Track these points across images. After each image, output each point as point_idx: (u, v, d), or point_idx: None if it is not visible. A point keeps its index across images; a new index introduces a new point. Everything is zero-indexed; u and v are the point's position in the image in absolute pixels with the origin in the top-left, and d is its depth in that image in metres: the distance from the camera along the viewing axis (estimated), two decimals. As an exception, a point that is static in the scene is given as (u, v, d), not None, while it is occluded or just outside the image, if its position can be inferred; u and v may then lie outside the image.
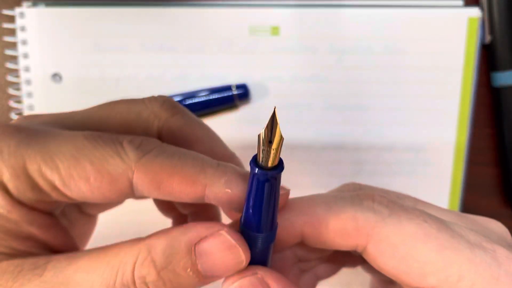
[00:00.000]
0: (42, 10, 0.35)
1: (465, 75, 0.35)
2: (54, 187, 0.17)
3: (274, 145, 0.15)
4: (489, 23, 0.35)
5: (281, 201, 0.18)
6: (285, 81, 0.35)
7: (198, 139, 0.21)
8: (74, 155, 0.16)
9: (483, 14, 0.35)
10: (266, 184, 0.16)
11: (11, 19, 0.35)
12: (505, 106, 0.36)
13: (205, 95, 0.35)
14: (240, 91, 0.35)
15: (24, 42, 0.35)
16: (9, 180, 0.16)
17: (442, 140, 0.36)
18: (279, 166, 0.16)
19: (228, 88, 0.35)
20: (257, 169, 0.15)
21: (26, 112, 0.36)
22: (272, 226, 0.17)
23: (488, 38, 0.35)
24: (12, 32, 0.35)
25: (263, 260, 0.18)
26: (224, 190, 0.17)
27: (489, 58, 0.36)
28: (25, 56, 0.35)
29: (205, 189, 0.17)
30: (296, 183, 0.37)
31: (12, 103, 0.36)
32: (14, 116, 0.36)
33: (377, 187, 0.22)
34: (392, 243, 0.17)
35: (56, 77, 0.35)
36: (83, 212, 0.23)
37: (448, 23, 0.35)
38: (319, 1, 0.35)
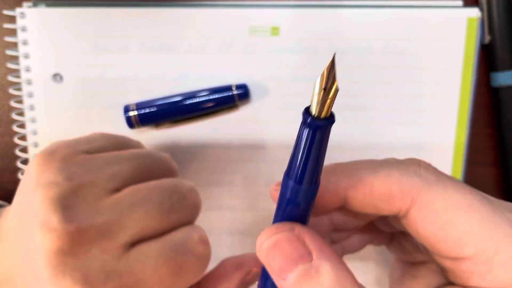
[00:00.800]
0: (43, 11, 0.35)
1: (465, 75, 0.35)
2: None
3: (330, 94, 0.15)
4: (488, 23, 0.35)
5: None
6: (285, 81, 0.36)
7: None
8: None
9: (483, 15, 0.35)
10: (315, 134, 0.15)
11: (12, 19, 0.35)
12: (505, 106, 0.36)
13: (205, 95, 0.35)
14: (240, 91, 0.35)
15: (25, 42, 0.35)
16: None
17: (442, 140, 0.36)
18: (330, 117, 0.15)
19: (228, 88, 0.35)
20: (309, 117, 0.15)
21: (27, 112, 0.36)
22: (316, 181, 0.17)
23: (487, 38, 0.35)
24: (12, 32, 0.36)
25: (302, 217, 0.18)
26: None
27: (488, 58, 0.36)
28: (26, 56, 0.35)
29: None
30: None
31: (12, 103, 0.36)
32: (14, 116, 0.36)
33: None
34: (435, 209, 0.17)
35: (57, 77, 0.36)
36: None
37: (447, 23, 0.35)
38: (319, 1, 0.35)
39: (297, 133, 0.16)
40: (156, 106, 0.35)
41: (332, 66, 0.15)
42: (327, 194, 0.19)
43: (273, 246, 0.17)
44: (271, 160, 0.37)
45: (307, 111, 0.15)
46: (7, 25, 0.35)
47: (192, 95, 0.35)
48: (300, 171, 0.16)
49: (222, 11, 0.35)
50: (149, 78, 0.36)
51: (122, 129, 0.35)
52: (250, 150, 0.36)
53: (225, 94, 0.35)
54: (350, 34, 0.35)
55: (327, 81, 0.14)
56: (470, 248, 0.17)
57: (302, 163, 0.16)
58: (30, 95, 0.36)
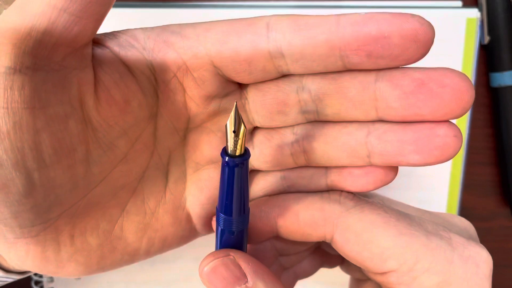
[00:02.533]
0: (43, 11, 0.35)
1: (464, 75, 0.35)
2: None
3: (239, 135, 0.17)
4: (487, 23, 0.35)
5: None
6: (285, 82, 0.36)
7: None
8: None
9: (482, 15, 0.35)
10: (234, 170, 0.17)
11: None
12: (504, 106, 0.36)
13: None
14: None
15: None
16: None
17: (441, 140, 0.36)
18: (245, 153, 0.18)
19: None
20: (226, 157, 0.17)
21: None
22: (243, 210, 0.19)
23: (486, 39, 0.35)
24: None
25: (238, 244, 0.20)
26: None
27: (487, 58, 0.36)
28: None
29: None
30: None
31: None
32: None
33: None
34: (355, 231, 0.19)
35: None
36: None
37: (447, 23, 0.35)
38: (318, 2, 0.35)
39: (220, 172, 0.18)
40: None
41: (236, 112, 0.17)
42: (260, 223, 0.20)
43: (211, 271, 0.19)
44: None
45: (224, 151, 0.18)
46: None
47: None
48: (227, 205, 0.18)
49: (222, 11, 0.35)
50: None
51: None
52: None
53: None
54: (349, 34, 0.35)
55: (235, 125, 0.17)
56: (392, 261, 0.19)
57: (228, 198, 0.18)
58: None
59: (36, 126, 0.16)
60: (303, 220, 0.20)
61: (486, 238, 0.39)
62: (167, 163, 0.21)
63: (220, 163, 0.18)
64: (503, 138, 0.36)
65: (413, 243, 0.18)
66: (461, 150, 0.36)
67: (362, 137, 0.19)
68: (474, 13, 0.34)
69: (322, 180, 0.21)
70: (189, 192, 0.21)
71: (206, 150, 0.21)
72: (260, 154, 0.21)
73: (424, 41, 0.17)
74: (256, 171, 0.21)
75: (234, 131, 0.17)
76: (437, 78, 0.18)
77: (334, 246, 0.20)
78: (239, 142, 0.17)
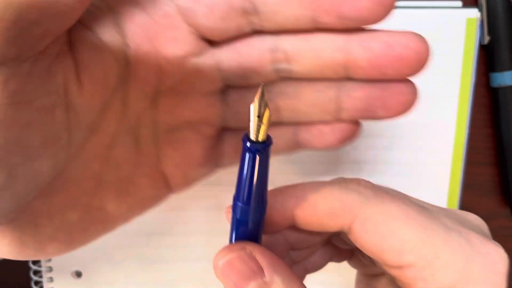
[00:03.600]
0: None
1: (464, 75, 0.35)
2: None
3: (264, 120, 0.16)
4: (487, 24, 0.35)
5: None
6: (285, 82, 0.36)
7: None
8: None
9: (482, 15, 0.35)
10: (255, 157, 0.17)
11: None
12: (504, 106, 0.36)
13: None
14: None
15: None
16: None
17: (441, 139, 0.36)
18: (268, 140, 0.17)
19: None
20: (248, 142, 0.17)
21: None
22: (262, 201, 0.18)
23: (486, 39, 0.35)
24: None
25: (253, 236, 0.19)
26: None
27: (487, 58, 0.36)
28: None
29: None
30: (296, 183, 0.37)
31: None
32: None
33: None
34: (375, 222, 0.19)
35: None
36: None
37: (446, 24, 0.35)
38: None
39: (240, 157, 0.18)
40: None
41: (261, 96, 0.16)
42: (276, 214, 0.20)
43: (226, 265, 0.18)
44: (271, 160, 0.37)
45: (246, 136, 0.17)
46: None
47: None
48: (247, 193, 0.18)
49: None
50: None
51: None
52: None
53: None
54: (349, 34, 0.35)
55: (259, 109, 0.16)
56: (411, 255, 0.18)
57: (247, 185, 0.18)
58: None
59: (22, 121, 0.15)
60: (321, 210, 0.19)
61: (486, 238, 0.39)
62: (138, 127, 0.20)
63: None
64: (503, 138, 0.36)
65: (433, 238, 0.18)
66: (461, 150, 0.36)
67: (333, 94, 0.20)
68: (474, 13, 0.34)
69: (292, 138, 0.21)
70: (163, 153, 0.21)
71: (179, 111, 0.20)
72: (236, 113, 0.21)
73: (389, 3, 0.19)
74: (230, 130, 0.22)
75: (258, 116, 0.16)
76: (403, 41, 0.19)
77: (351, 237, 0.20)
78: (263, 127, 0.16)
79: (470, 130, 0.36)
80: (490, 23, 0.35)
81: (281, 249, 0.23)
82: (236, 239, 0.19)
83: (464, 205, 0.38)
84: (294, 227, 0.21)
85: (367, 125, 0.36)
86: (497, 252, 0.19)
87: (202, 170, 0.23)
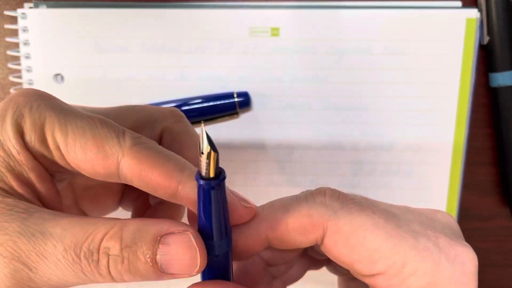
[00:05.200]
0: (44, 11, 0.35)
1: (463, 75, 0.35)
2: (58, 148, 0.19)
3: (210, 158, 0.17)
4: (487, 24, 0.35)
5: (247, 215, 0.20)
6: (285, 82, 0.36)
7: (190, 147, 0.23)
8: (83, 128, 0.19)
9: (481, 15, 0.35)
10: (210, 193, 0.17)
11: (13, 20, 0.36)
12: (503, 106, 0.36)
13: (206, 102, 0.35)
14: (241, 99, 0.35)
15: (26, 43, 0.35)
16: (27, 129, 0.19)
17: (441, 140, 0.36)
18: (221, 175, 0.17)
19: (229, 95, 0.35)
20: (201, 180, 0.17)
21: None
22: (226, 234, 0.19)
23: (486, 39, 0.36)
24: (14, 32, 0.36)
25: (223, 268, 0.20)
26: (193, 191, 0.19)
27: (487, 58, 0.36)
28: (27, 56, 0.35)
29: (179, 186, 0.19)
30: (296, 183, 0.37)
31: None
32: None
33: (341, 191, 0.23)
34: (344, 234, 0.19)
35: (58, 77, 0.36)
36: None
37: (446, 24, 0.35)
38: (319, 2, 0.35)
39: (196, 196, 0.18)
40: (156, 106, 0.35)
41: (204, 135, 0.17)
42: (250, 239, 0.20)
43: None
44: (271, 160, 0.37)
45: (199, 174, 0.17)
46: (8, 26, 0.36)
47: (192, 101, 0.35)
48: (208, 229, 0.18)
49: (222, 12, 0.35)
50: (149, 79, 0.36)
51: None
52: (250, 150, 0.37)
53: (226, 101, 0.35)
54: (349, 35, 0.35)
55: (203, 146, 0.17)
56: (381, 264, 0.19)
57: (207, 222, 0.18)
58: (32, 95, 0.36)
59: None
60: (292, 229, 0.20)
61: (485, 238, 0.39)
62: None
63: None
64: (503, 138, 0.36)
65: (402, 245, 0.19)
66: (461, 150, 0.36)
67: None
68: (473, 13, 0.35)
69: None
70: (81, 203, 0.26)
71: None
72: None
73: None
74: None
75: (202, 153, 0.17)
76: None
77: (323, 250, 0.20)
78: (211, 163, 0.17)
79: (469, 130, 0.36)
80: (490, 23, 0.35)
81: (259, 268, 0.24)
82: (209, 273, 0.20)
83: (464, 205, 0.38)
84: (268, 248, 0.21)
85: (366, 125, 0.37)
86: (466, 253, 0.19)
87: (111, 210, 0.27)
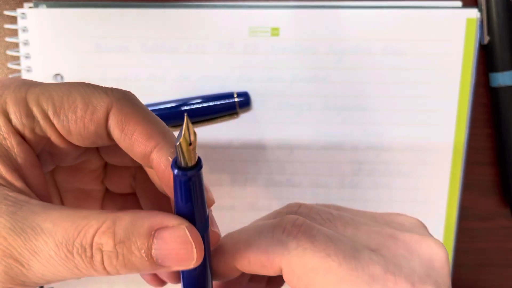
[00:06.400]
0: (44, 11, 0.35)
1: (464, 75, 0.35)
2: (46, 116, 0.19)
3: (186, 146, 0.16)
4: (487, 24, 0.35)
5: (212, 241, 0.21)
6: (285, 82, 0.36)
7: (148, 130, 0.22)
8: (68, 89, 0.19)
9: (482, 15, 0.35)
10: (187, 184, 0.17)
11: (13, 19, 0.36)
12: (503, 106, 0.36)
13: (206, 102, 0.35)
14: (241, 99, 0.35)
15: (26, 43, 0.35)
16: (10, 108, 0.19)
17: (441, 140, 0.36)
18: (197, 165, 0.17)
19: (229, 95, 0.35)
20: (176, 169, 0.17)
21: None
22: (202, 221, 0.18)
23: (486, 39, 0.35)
24: (14, 32, 0.36)
25: (202, 270, 0.20)
26: (167, 157, 0.19)
27: (487, 58, 0.36)
28: (27, 56, 0.35)
29: (155, 149, 0.19)
30: (296, 183, 0.37)
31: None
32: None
33: (313, 206, 0.23)
34: (296, 275, 0.20)
35: (58, 77, 0.36)
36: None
37: (446, 24, 0.35)
38: (319, 2, 0.35)
39: (173, 187, 0.18)
40: (156, 111, 0.35)
41: (188, 124, 0.16)
42: (223, 269, 0.22)
43: None
44: (271, 160, 0.37)
45: (177, 165, 0.17)
46: (8, 26, 0.36)
47: (193, 101, 0.35)
48: (184, 217, 0.18)
49: (222, 12, 0.35)
50: (149, 79, 0.36)
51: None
52: (250, 150, 0.37)
53: (226, 101, 0.35)
54: (349, 34, 0.35)
55: (189, 136, 0.16)
56: None
57: (183, 210, 0.18)
58: (31, 95, 0.36)
59: None
60: (253, 263, 0.21)
61: (486, 238, 0.39)
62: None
63: None
64: (503, 138, 0.36)
65: None
66: (461, 150, 0.36)
67: None
68: (474, 13, 0.35)
69: None
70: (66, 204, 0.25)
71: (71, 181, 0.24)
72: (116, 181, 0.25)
73: None
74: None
75: (190, 144, 0.16)
76: None
77: (285, 280, 0.21)
78: (186, 152, 0.16)
79: (470, 130, 0.36)
80: (490, 23, 0.35)
81: (242, 279, 0.24)
82: (187, 276, 0.20)
83: (464, 205, 0.38)
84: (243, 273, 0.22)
85: (367, 125, 0.37)
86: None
87: None
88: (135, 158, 0.20)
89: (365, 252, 0.20)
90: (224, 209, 0.37)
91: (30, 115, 0.19)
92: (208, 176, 0.37)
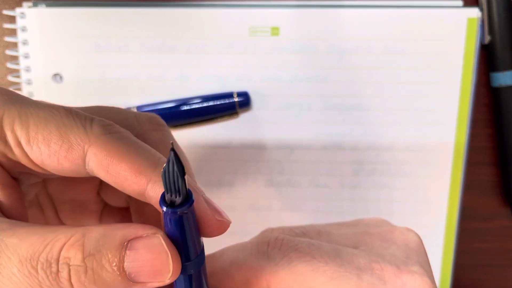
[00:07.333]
0: (43, 11, 0.35)
1: (465, 75, 0.35)
2: (19, 145, 0.18)
3: (175, 180, 0.15)
4: (488, 23, 0.35)
5: (219, 229, 0.19)
6: (285, 82, 0.36)
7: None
8: (46, 119, 0.18)
9: (483, 15, 0.35)
10: (177, 220, 0.16)
11: (12, 19, 0.35)
12: (504, 106, 0.36)
13: (205, 102, 0.35)
14: (241, 99, 0.35)
15: (25, 43, 0.35)
16: None
17: (442, 140, 0.36)
18: (187, 201, 0.16)
19: (229, 95, 0.35)
20: (164, 207, 0.16)
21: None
22: (196, 254, 0.17)
23: (487, 39, 0.35)
24: (13, 32, 0.36)
25: (197, 285, 0.19)
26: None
27: (488, 58, 0.36)
28: (26, 56, 0.35)
29: (148, 185, 0.17)
30: (296, 183, 0.37)
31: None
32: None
33: (284, 227, 0.23)
34: (286, 284, 0.20)
35: (57, 77, 0.36)
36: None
37: (447, 23, 0.35)
38: (319, 1, 0.35)
39: (163, 223, 0.17)
40: (156, 110, 0.35)
41: (173, 155, 0.15)
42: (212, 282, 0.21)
43: None
44: (271, 160, 0.37)
45: (165, 202, 0.16)
46: (7, 25, 0.35)
47: (192, 101, 0.35)
48: (184, 252, 0.17)
49: (222, 11, 0.35)
50: (149, 78, 0.36)
51: (122, 129, 0.36)
52: (250, 150, 0.36)
53: (226, 101, 0.35)
54: (350, 34, 0.35)
55: (175, 172, 0.15)
56: None
57: (174, 245, 0.17)
58: (30, 95, 0.36)
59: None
60: (239, 282, 0.20)
61: (486, 238, 0.39)
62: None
63: None
64: (504, 138, 0.36)
65: (344, 286, 0.19)
66: (461, 150, 0.36)
67: None
68: (474, 13, 0.34)
69: None
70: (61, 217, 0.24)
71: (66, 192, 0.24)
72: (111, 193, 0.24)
73: None
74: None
75: (165, 174, 0.15)
76: None
77: None
78: (176, 187, 0.15)
79: (470, 130, 0.36)
80: (491, 23, 0.35)
81: None
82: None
83: (465, 205, 0.38)
84: None
85: (367, 125, 0.37)
86: (414, 280, 0.19)
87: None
88: (132, 195, 0.18)
89: (347, 250, 0.21)
90: (224, 209, 0.37)
91: (3, 139, 0.18)
92: (208, 176, 0.37)
